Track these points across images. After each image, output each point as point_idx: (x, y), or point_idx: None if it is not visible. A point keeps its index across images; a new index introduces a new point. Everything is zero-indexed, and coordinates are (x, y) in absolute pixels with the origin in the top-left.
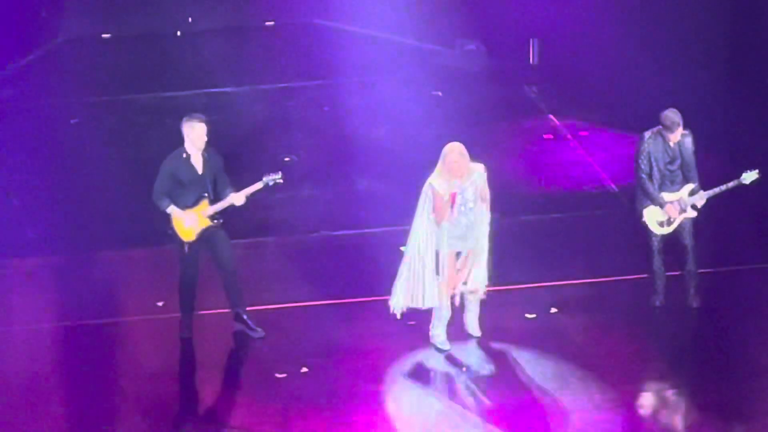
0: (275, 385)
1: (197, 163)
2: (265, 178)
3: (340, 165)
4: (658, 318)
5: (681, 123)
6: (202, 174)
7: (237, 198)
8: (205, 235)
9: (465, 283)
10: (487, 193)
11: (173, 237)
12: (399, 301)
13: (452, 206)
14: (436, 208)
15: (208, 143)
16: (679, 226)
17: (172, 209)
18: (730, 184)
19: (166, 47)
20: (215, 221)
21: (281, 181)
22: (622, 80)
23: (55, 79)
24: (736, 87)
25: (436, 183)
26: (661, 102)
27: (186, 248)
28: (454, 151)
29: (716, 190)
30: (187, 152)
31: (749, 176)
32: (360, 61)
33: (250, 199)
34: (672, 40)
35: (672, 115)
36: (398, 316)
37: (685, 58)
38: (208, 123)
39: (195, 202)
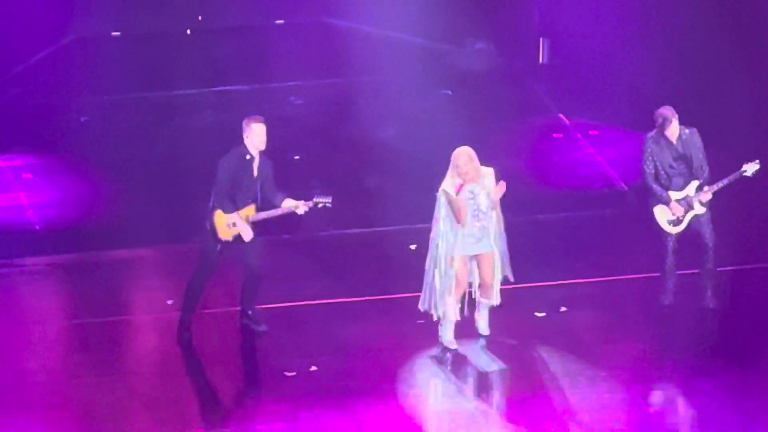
0: (285, 383)
1: (255, 166)
2: (315, 199)
3: (349, 164)
4: (668, 317)
5: (673, 117)
6: (255, 177)
7: (300, 208)
8: (240, 239)
9: (480, 286)
10: (497, 195)
11: (209, 233)
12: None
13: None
14: (455, 211)
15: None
16: (698, 225)
17: (234, 217)
18: (732, 177)
19: (176, 45)
20: (255, 227)
21: (330, 205)
22: (632, 79)
23: (65, 77)
24: (750, 83)
25: (448, 187)
26: (672, 101)
27: (219, 247)
28: (463, 154)
29: (719, 184)
30: (250, 154)
31: (750, 167)
32: (369, 59)
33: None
34: (685, 38)
35: (662, 110)
36: (435, 317)
37: (697, 56)
38: (266, 123)
39: (243, 206)
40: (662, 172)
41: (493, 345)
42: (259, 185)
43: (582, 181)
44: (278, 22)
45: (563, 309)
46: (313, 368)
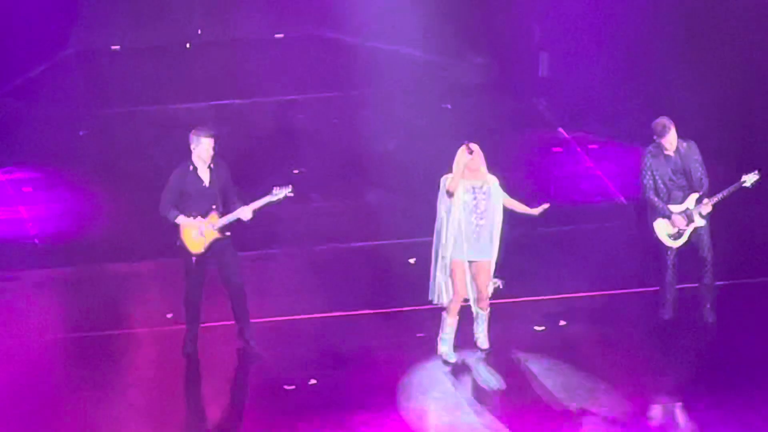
0: (284, 396)
1: (204, 175)
2: (275, 191)
3: (349, 178)
4: (667, 331)
5: (670, 125)
6: (209, 186)
7: (244, 212)
8: (213, 249)
9: (476, 298)
10: (511, 201)
11: (181, 249)
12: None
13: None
14: (449, 185)
15: (215, 155)
16: (697, 238)
17: (180, 219)
18: (731, 188)
19: (176, 59)
20: (224, 234)
21: (291, 194)
22: (631, 93)
23: (64, 91)
24: (747, 99)
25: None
26: (670, 114)
27: (194, 260)
28: (474, 148)
29: (719, 195)
30: (193, 164)
31: (749, 178)
32: (369, 74)
33: (259, 211)
34: (682, 53)
35: (660, 119)
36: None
37: (695, 70)
38: (215, 137)
39: (204, 215)
40: (662, 186)
41: (492, 358)
42: (218, 192)
43: (581, 195)
44: (278, 36)
45: (563, 323)
46: (312, 381)
